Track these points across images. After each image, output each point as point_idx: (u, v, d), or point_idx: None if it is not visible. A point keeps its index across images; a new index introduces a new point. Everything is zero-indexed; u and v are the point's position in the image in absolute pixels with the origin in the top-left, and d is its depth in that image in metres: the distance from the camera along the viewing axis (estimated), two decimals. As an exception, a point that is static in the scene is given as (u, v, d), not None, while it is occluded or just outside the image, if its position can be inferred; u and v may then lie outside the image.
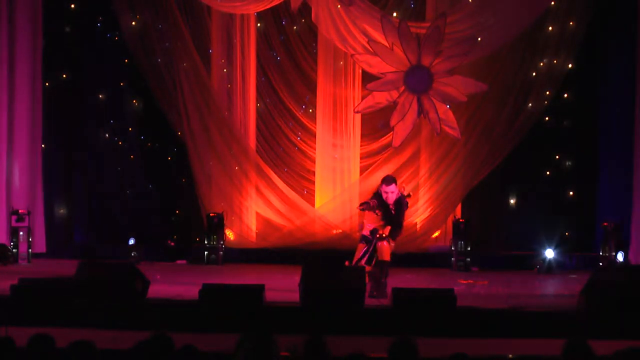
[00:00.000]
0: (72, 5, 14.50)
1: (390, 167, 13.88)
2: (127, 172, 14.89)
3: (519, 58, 13.70)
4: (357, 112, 14.06)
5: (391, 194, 10.03)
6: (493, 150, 13.81)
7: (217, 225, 13.64)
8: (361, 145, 14.30)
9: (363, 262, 9.95)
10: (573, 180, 14.46)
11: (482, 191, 14.14)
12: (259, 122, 14.36)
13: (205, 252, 13.55)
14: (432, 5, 13.92)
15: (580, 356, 4.75)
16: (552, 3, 13.66)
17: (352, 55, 13.80)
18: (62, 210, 14.70)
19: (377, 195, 10.12)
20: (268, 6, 13.77)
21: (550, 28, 13.73)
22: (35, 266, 12.83)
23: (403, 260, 12.00)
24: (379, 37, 13.50)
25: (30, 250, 13.22)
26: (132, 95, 14.88)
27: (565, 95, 14.19)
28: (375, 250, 9.97)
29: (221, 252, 13.59)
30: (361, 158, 14.28)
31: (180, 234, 14.68)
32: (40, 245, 13.73)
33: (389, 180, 10.15)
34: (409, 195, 10.51)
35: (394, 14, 13.92)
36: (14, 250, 13.05)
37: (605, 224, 13.26)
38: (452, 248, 13.41)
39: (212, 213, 13.76)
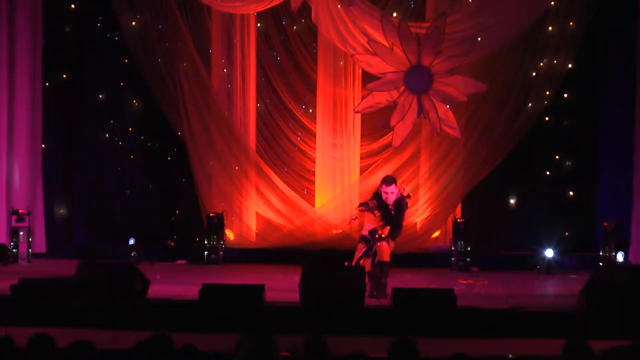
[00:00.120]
0: (72, 5, 14.50)
1: (390, 167, 13.88)
2: (127, 172, 14.89)
3: (519, 58, 13.70)
4: (357, 112, 14.06)
5: (391, 194, 10.03)
6: (493, 150, 13.81)
7: (217, 225, 13.63)
8: (361, 145, 14.29)
9: (362, 262, 9.95)
10: (573, 180, 14.46)
11: (482, 191, 14.13)
12: (259, 122, 14.36)
13: (205, 252, 13.55)
14: (432, 5, 13.92)
15: (580, 356, 4.75)
16: (552, 3, 13.66)
17: (352, 55, 13.80)
18: (62, 210, 14.70)
19: (377, 195, 10.12)
20: (268, 6, 13.77)
21: (550, 28, 13.72)
22: (35, 266, 12.83)
23: (403, 260, 12.01)
24: (379, 37, 13.50)
25: (30, 250, 13.22)
26: (132, 95, 14.88)
27: (565, 95, 14.18)
28: (374, 250, 9.96)
29: (221, 252, 13.59)
30: (361, 158, 14.28)
31: (180, 234, 14.68)
32: (40, 245, 13.73)
33: (388, 180, 10.15)
34: (408, 196, 10.51)
35: (394, 14, 13.92)
36: (14, 250, 13.05)
37: (605, 224, 13.26)
38: (452, 248, 13.40)
39: (212, 213, 13.76)
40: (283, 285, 10.25)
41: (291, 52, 14.28)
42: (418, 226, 14.04)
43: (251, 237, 14.27)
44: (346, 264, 10.06)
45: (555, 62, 13.78)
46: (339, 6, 13.58)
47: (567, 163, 14.51)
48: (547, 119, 14.17)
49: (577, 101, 14.28)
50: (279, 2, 13.66)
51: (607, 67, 14.08)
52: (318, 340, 4.78)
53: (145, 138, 14.97)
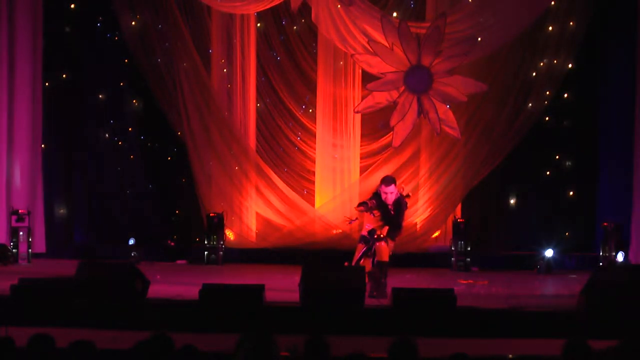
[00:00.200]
0: (72, 5, 14.49)
1: (390, 167, 13.88)
2: (127, 172, 14.88)
3: (519, 58, 13.70)
4: (357, 112, 14.05)
5: (390, 194, 10.02)
6: (493, 150, 13.81)
7: (217, 225, 13.63)
8: (361, 145, 14.29)
9: (363, 262, 9.95)
10: (573, 181, 14.45)
11: (482, 191, 14.13)
12: (259, 122, 14.36)
13: (205, 252, 13.55)
14: (432, 5, 13.91)
15: (580, 356, 4.75)
16: (552, 3, 13.66)
17: (352, 55, 13.80)
18: (62, 210, 14.70)
19: (376, 195, 10.12)
20: (268, 6, 13.77)
21: (550, 28, 13.72)
22: (35, 266, 12.83)
23: (403, 260, 12.01)
24: (379, 37, 13.50)
25: (30, 250, 13.22)
26: (132, 95, 14.87)
27: (565, 95, 14.18)
28: (373, 250, 9.96)
29: (221, 252, 13.58)
30: (361, 158, 14.28)
31: (180, 234, 14.68)
32: (40, 245, 13.73)
33: (388, 180, 10.14)
34: (408, 196, 10.50)
35: (394, 14, 13.92)
36: (14, 250, 13.05)
37: (605, 224, 13.25)
38: (452, 248, 13.40)
39: (212, 213, 13.76)
40: (283, 285, 10.26)
41: (291, 52, 14.28)
42: (418, 226, 14.04)
43: (251, 237, 14.27)
44: (346, 264, 10.06)
45: (555, 62, 13.78)
46: (339, 6, 13.58)
47: (567, 163, 14.50)
48: (547, 119, 14.17)
49: (577, 101, 14.28)
50: (279, 2, 13.66)
51: (607, 67, 14.07)
52: (318, 340, 4.78)
53: (145, 138, 14.97)
